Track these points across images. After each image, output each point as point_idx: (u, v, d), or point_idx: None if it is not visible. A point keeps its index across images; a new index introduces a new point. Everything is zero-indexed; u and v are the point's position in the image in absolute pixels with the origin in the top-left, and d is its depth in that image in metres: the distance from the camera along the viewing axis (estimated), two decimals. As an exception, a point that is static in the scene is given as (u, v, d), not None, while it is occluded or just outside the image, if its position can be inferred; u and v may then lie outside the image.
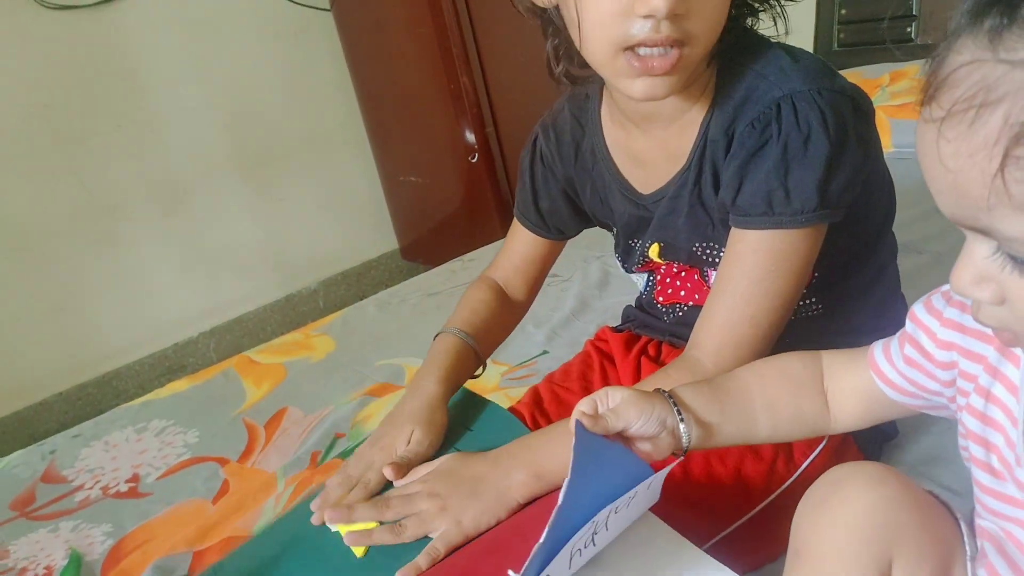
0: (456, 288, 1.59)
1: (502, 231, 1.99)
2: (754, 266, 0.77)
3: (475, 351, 1.00)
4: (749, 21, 0.81)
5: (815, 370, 0.70)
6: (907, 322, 0.63)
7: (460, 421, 0.94)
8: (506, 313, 1.07)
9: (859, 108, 0.77)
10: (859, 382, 0.68)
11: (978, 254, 0.44)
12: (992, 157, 0.39)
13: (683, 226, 0.86)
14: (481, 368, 1.02)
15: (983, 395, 0.56)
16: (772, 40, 0.81)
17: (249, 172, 2.59)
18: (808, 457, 0.84)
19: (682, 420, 0.66)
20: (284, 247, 2.70)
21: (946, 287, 0.60)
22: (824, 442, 0.84)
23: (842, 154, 0.74)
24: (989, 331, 0.55)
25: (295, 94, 2.63)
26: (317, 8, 2.59)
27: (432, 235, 2.81)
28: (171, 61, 2.38)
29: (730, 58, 0.80)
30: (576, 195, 1.00)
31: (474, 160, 2.45)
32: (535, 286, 1.10)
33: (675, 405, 0.67)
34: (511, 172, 2.46)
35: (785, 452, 0.84)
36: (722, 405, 0.69)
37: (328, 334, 1.52)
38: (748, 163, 0.76)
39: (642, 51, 0.72)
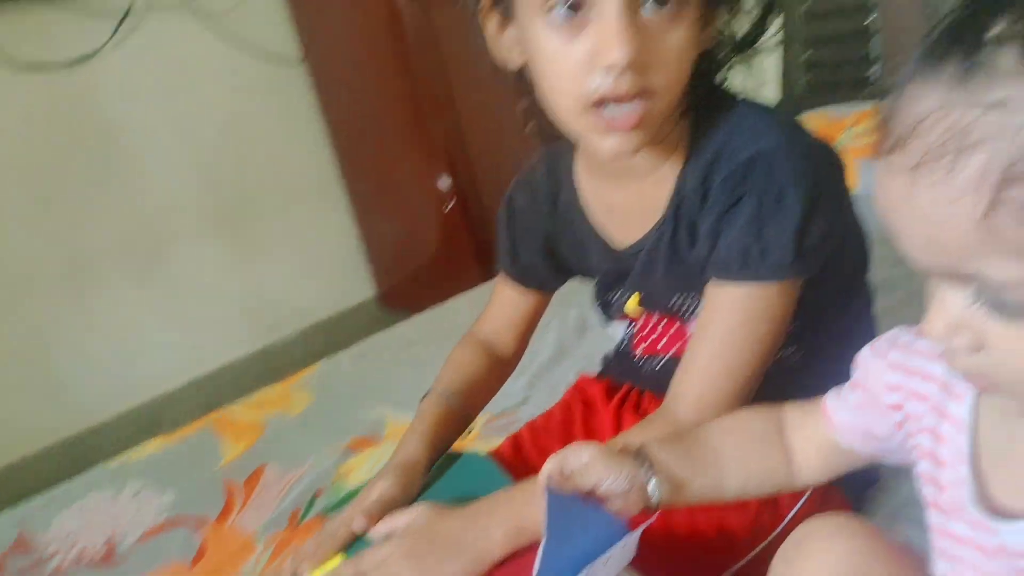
0: (434, 337, 1.58)
1: (479, 277, 2.00)
2: (732, 319, 0.77)
3: (462, 413, 0.99)
4: (720, 76, 0.83)
5: (776, 424, 0.70)
6: (854, 368, 0.63)
7: (437, 476, 0.93)
8: (493, 371, 1.06)
9: (830, 164, 0.79)
10: (815, 433, 0.68)
11: (953, 301, 0.44)
12: (977, 202, 0.39)
13: (661, 279, 0.86)
14: (468, 431, 1.01)
15: (931, 435, 0.56)
16: (741, 96, 0.82)
17: (226, 226, 2.58)
18: (793, 507, 0.83)
19: (652, 477, 0.65)
20: (262, 299, 2.69)
21: (894, 331, 0.61)
22: (808, 492, 0.83)
23: (815, 209, 0.75)
24: (937, 371, 0.55)
25: (270, 148, 2.64)
26: (290, 63, 2.61)
27: (410, 283, 2.81)
28: (147, 118, 2.38)
29: (702, 113, 0.81)
30: (554, 249, 1.00)
31: (450, 208, 2.46)
32: (523, 340, 1.09)
33: (645, 462, 0.66)
34: (487, 219, 2.46)
35: (770, 502, 0.83)
36: (692, 461, 0.68)
37: (306, 387, 1.51)
38: (723, 218, 0.77)
39: (606, 109, 0.72)
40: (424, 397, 0.99)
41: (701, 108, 0.81)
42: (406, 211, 2.65)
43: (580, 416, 1.02)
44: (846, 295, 0.89)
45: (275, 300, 2.70)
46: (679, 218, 0.82)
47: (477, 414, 1.03)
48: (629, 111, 0.72)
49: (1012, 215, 0.38)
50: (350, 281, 2.87)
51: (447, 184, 2.43)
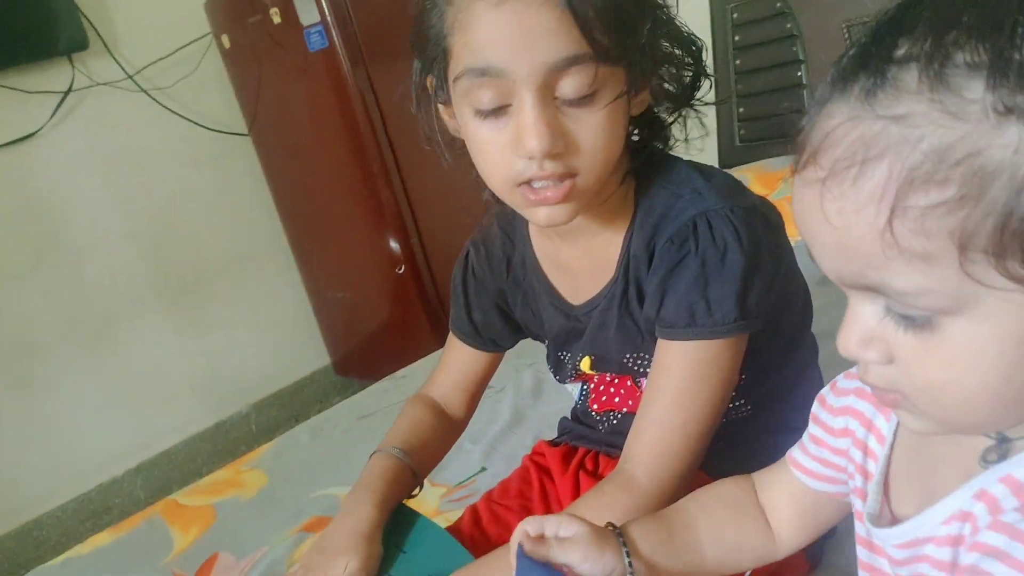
0: (388, 408, 1.56)
1: (433, 341, 1.98)
2: (681, 376, 0.78)
3: (412, 470, 0.97)
4: (660, 135, 0.85)
5: (748, 490, 0.70)
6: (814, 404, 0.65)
7: (392, 540, 0.91)
8: (445, 430, 1.05)
9: (770, 222, 0.81)
10: (786, 486, 0.68)
11: (865, 314, 0.45)
12: (880, 211, 0.40)
13: (613, 338, 0.87)
14: (418, 488, 0.99)
15: (862, 450, 0.58)
16: (682, 159, 0.84)
17: (173, 300, 2.54)
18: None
19: (631, 571, 0.64)
20: (212, 373, 2.64)
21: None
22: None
23: (757, 267, 0.77)
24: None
25: (217, 219, 2.62)
26: (235, 134, 2.61)
27: (364, 349, 2.78)
28: (89, 195, 2.35)
29: (646, 176, 0.83)
30: (508, 308, 1.01)
31: (401, 271, 2.45)
32: (473, 401, 1.08)
33: (625, 549, 0.64)
34: (439, 281, 2.47)
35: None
36: (671, 543, 0.67)
37: (259, 468, 1.47)
38: (669, 277, 0.78)
39: (535, 183, 0.75)
40: (373, 454, 0.97)
41: (644, 168, 0.82)
42: (357, 277, 2.64)
43: (537, 485, 1.01)
44: (791, 346, 0.91)
45: (226, 374, 2.66)
46: (628, 278, 0.84)
47: (428, 472, 1.02)
48: (555, 188, 0.75)
49: (911, 224, 0.39)
50: (303, 350, 2.84)
51: (397, 248, 2.43)
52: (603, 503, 0.77)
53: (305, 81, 2.37)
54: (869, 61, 0.41)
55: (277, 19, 2.29)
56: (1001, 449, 0.47)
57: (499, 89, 0.72)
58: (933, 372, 0.43)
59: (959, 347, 0.42)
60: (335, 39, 2.23)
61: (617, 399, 0.94)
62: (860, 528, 0.58)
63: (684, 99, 0.83)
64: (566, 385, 1.01)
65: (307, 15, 2.23)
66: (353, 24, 2.24)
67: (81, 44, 2.24)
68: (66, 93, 2.25)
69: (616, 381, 0.93)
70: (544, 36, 0.69)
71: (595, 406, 0.97)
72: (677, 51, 0.80)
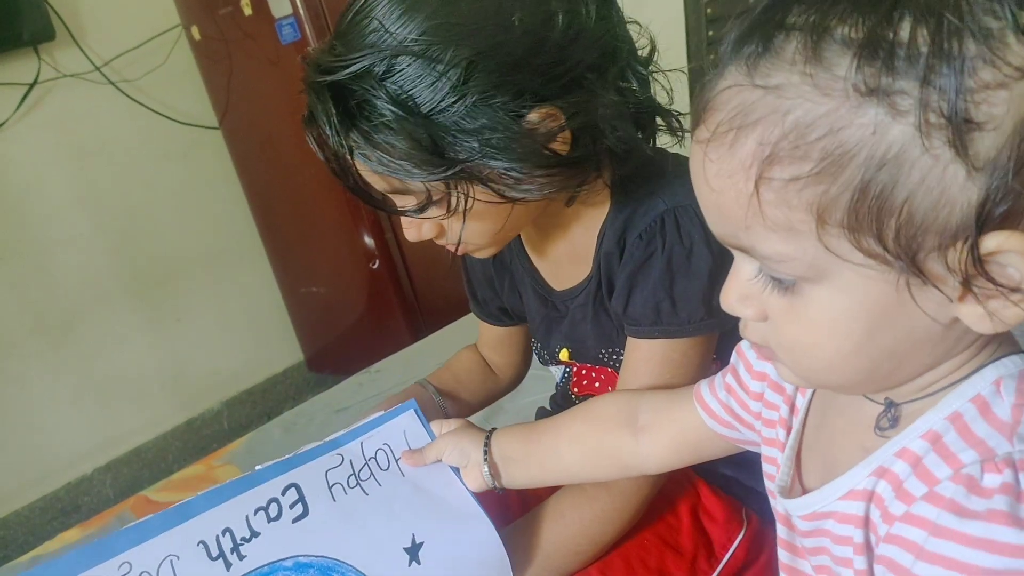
0: (364, 402, 1.55)
1: (408, 336, 1.97)
2: (649, 374, 0.78)
3: (440, 406, 1.02)
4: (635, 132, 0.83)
5: (627, 407, 0.74)
6: (732, 355, 0.66)
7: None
8: (488, 382, 1.10)
9: None
10: (680, 415, 0.71)
11: (743, 273, 0.47)
12: (748, 178, 0.41)
13: (590, 331, 0.87)
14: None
15: (780, 423, 0.60)
16: (664, 150, 0.82)
17: (143, 296, 2.50)
18: (728, 550, 0.83)
19: (485, 458, 0.77)
20: (184, 369, 2.60)
21: None
22: (742, 533, 0.83)
23: (724, 265, 0.74)
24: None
25: (188, 213, 2.58)
26: (205, 127, 2.57)
27: (338, 345, 2.76)
28: (56, 189, 2.30)
29: (624, 167, 0.80)
30: (498, 287, 1.02)
31: (375, 266, 2.43)
32: (516, 364, 1.12)
33: (485, 438, 0.77)
34: (413, 276, 2.45)
35: (705, 547, 0.83)
36: (528, 442, 0.78)
37: (232, 463, 1.44)
38: (636, 274, 0.78)
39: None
40: (416, 381, 1.04)
41: (622, 162, 0.80)
42: (331, 272, 2.61)
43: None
44: None
45: (197, 370, 2.62)
46: (601, 274, 0.83)
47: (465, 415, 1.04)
48: (457, 249, 0.80)
49: (773, 195, 0.41)
50: (276, 346, 2.81)
51: (371, 243, 2.41)
52: (582, 494, 0.79)
53: (277, 74, 2.34)
54: (761, 26, 0.42)
55: (248, 11, 2.26)
56: (891, 415, 0.48)
57: None
58: (796, 333, 0.46)
59: (817, 314, 0.44)
60: (307, 31, 2.20)
61: (598, 384, 0.94)
62: (778, 504, 0.59)
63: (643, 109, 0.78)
64: (549, 367, 1.01)
65: (279, 7, 2.21)
66: (325, 16, 2.21)
67: (47, 35, 2.19)
68: (32, 85, 2.20)
69: (595, 371, 0.93)
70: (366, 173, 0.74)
71: (575, 389, 0.97)
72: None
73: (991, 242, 0.39)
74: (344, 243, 2.48)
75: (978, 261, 0.39)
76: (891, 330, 0.43)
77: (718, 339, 0.80)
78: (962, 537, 0.40)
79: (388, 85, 0.67)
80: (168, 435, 2.56)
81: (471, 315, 1.87)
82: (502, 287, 1.00)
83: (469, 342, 1.70)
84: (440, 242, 0.80)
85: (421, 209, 0.73)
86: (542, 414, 1.07)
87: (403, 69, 0.67)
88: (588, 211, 0.83)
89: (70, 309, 2.35)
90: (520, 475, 0.78)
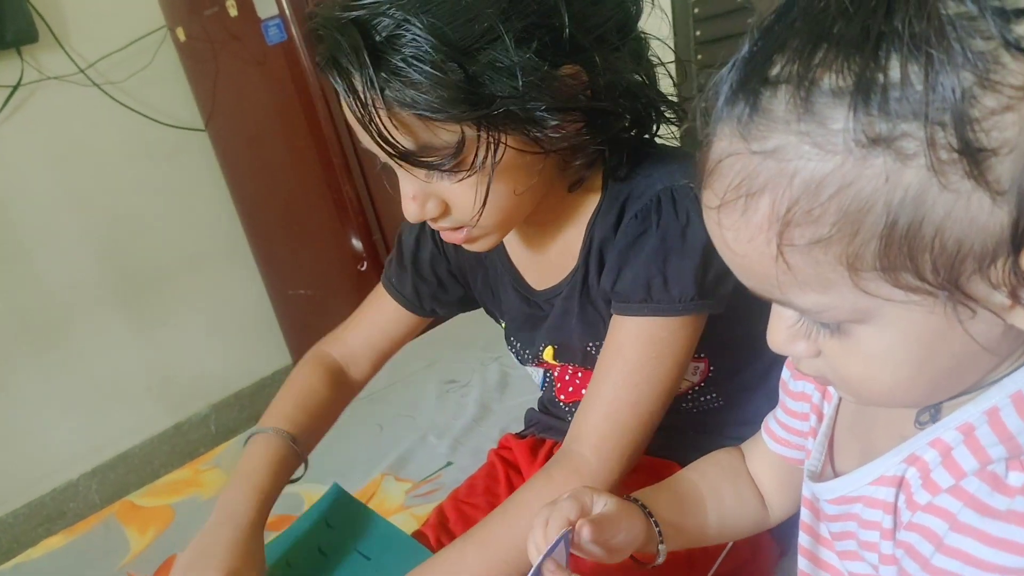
0: (352, 405, 1.53)
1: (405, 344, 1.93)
2: (635, 353, 0.76)
3: (298, 453, 0.89)
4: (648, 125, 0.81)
5: (739, 458, 0.72)
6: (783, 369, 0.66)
7: (353, 544, 0.88)
8: (338, 399, 0.98)
9: None
10: (764, 453, 0.69)
11: (786, 318, 0.47)
12: (769, 241, 0.41)
13: (576, 326, 0.85)
14: (302, 470, 0.91)
15: (816, 413, 0.60)
16: (658, 143, 0.81)
17: (130, 299, 2.48)
18: (722, 551, 0.82)
19: (661, 539, 0.64)
20: (171, 373, 2.58)
21: None
22: (729, 543, 0.82)
23: None
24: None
25: (174, 216, 2.56)
26: (191, 129, 2.55)
27: (326, 347, 2.74)
28: (41, 191, 2.28)
29: (616, 160, 0.79)
30: (465, 281, 0.98)
31: (363, 268, 2.42)
32: (381, 363, 1.03)
33: (649, 515, 0.65)
34: (402, 277, 2.44)
35: (700, 552, 0.81)
36: (681, 507, 0.68)
37: (219, 467, 1.43)
38: (629, 250, 0.76)
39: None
40: (254, 434, 0.89)
41: (614, 154, 0.79)
42: (319, 275, 2.60)
43: (504, 480, 0.99)
44: (759, 342, 0.90)
45: (185, 374, 2.60)
46: (589, 263, 0.81)
47: (311, 451, 0.94)
48: (453, 234, 0.77)
49: (799, 255, 0.40)
50: (264, 349, 2.79)
51: (359, 245, 2.40)
52: (552, 488, 0.74)
53: (263, 75, 2.32)
54: (747, 80, 0.41)
55: (234, 12, 2.24)
56: (933, 410, 0.48)
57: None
58: (851, 368, 0.45)
59: (870, 349, 0.43)
60: (294, 32, 2.18)
61: (584, 390, 0.93)
62: (806, 489, 0.59)
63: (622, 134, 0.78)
64: (527, 367, 0.99)
65: (264, 8, 2.19)
66: (312, 17, 2.20)
67: (30, 36, 2.17)
68: (15, 87, 2.18)
69: (581, 373, 0.92)
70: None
71: (562, 396, 0.96)
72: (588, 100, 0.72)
73: None
74: (332, 245, 2.46)
75: (1021, 277, 0.38)
76: (947, 351, 0.42)
77: (702, 338, 0.78)
78: (982, 535, 0.40)
79: (424, 17, 0.64)
80: (155, 439, 2.54)
81: (457, 318, 1.87)
82: (473, 282, 0.97)
83: (456, 344, 1.69)
84: (442, 226, 0.76)
85: (454, 155, 0.69)
86: (531, 416, 1.06)
87: (440, 2, 0.64)
88: (577, 206, 0.82)
89: (55, 313, 2.33)
90: (674, 545, 0.67)
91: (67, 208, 2.33)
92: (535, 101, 0.67)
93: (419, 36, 0.64)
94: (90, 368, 2.40)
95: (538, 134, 0.69)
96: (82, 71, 2.30)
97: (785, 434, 0.66)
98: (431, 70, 0.64)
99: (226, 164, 2.64)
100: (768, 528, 0.73)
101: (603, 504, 0.61)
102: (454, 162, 0.69)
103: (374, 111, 0.66)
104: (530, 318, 0.91)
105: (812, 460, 0.58)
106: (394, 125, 0.67)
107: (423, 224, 0.95)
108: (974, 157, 0.36)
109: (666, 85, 0.80)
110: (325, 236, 2.47)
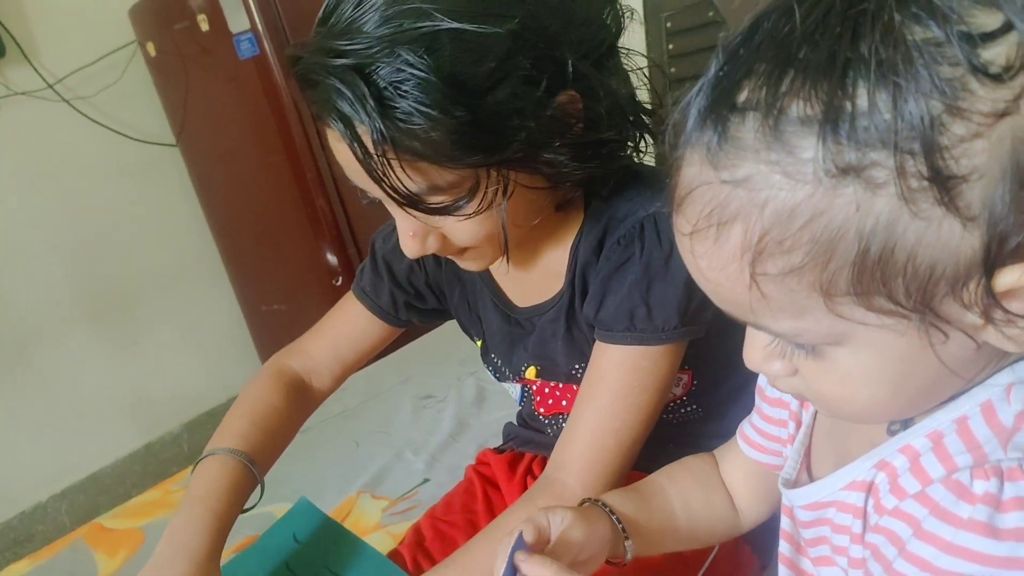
0: (325, 421, 1.52)
1: (371, 358, 1.92)
2: (618, 381, 0.76)
3: (255, 477, 0.84)
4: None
5: (712, 463, 0.72)
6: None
7: (322, 560, 0.86)
8: (298, 415, 0.94)
9: None
10: (739, 459, 0.69)
11: (762, 338, 0.47)
12: (742, 270, 0.41)
13: (562, 348, 0.85)
14: (258, 496, 0.85)
15: (795, 420, 0.60)
16: (635, 162, 0.81)
17: (101, 317, 2.44)
18: (701, 567, 0.82)
19: (627, 535, 0.64)
20: (143, 392, 2.54)
21: None
22: (715, 551, 0.82)
23: None
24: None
25: (145, 232, 2.53)
26: (162, 144, 2.53)
27: (301, 363, 2.71)
28: (9, 208, 2.24)
29: (597, 181, 0.79)
30: (442, 293, 0.96)
31: (338, 283, 2.40)
32: (344, 377, 0.99)
33: (615, 517, 0.65)
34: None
35: (680, 562, 0.81)
36: (647, 509, 0.68)
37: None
38: (611, 278, 0.76)
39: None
40: (207, 456, 0.83)
41: (595, 178, 0.78)
42: (293, 290, 2.57)
43: (482, 496, 0.98)
44: (739, 354, 0.90)
45: (157, 393, 2.57)
46: (575, 288, 0.81)
47: (267, 471, 0.88)
48: (454, 258, 0.76)
49: (772, 283, 0.40)
50: (238, 367, 2.76)
51: (334, 260, 2.38)
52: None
53: (235, 90, 2.30)
54: (715, 106, 0.40)
55: (205, 26, 2.23)
56: (905, 419, 0.48)
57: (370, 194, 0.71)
58: (828, 387, 0.46)
59: (846, 369, 0.44)
60: (266, 47, 2.17)
61: (564, 402, 0.92)
62: (785, 497, 0.59)
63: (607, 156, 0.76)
64: (503, 384, 0.98)
65: (236, 22, 2.18)
66: (285, 31, 2.19)
67: (-3, 51, 2.14)
68: (-19, 104, 2.15)
69: (561, 387, 0.91)
70: None
71: (542, 409, 0.95)
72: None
73: (1008, 277, 0.38)
74: (306, 260, 2.44)
75: (993, 298, 0.38)
76: (922, 370, 0.43)
77: (686, 352, 0.78)
78: (942, 543, 0.41)
79: (427, 58, 0.60)
80: (126, 460, 2.50)
81: (433, 332, 1.86)
82: (450, 295, 0.95)
83: (432, 359, 1.68)
84: (436, 253, 0.75)
85: (468, 198, 0.67)
86: (509, 430, 1.05)
87: (443, 46, 0.61)
88: (561, 224, 0.81)
89: (24, 332, 2.28)
90: (642, 550, 0.67)
91: (36, 225, 2.30)
92: (549, 138, 0.66)
93: (425, 80, 0.60)
94: (60, 388, 2.35)
95: (549, 170, 0.69)
96: (50, 86, 2.27)
97: (762, 440, 0.66)
98: (441, 116, 0.61)
99: (198, 179, 2.61)
100: (741, 533, 0.73)
101: (560, 521, 0.60)
102: (468, 206, 0.68)
103: (384, 161, 0.63)
104: (510, 335, 0.90)
105: (787, 468, 0.58)
106: (404, 172, 0.64)
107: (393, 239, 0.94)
108: (944, 185, 0.36)
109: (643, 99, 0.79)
110: (299, 251, 2.45)
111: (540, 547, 0.58)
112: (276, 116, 2.26)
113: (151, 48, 2.42)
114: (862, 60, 0.36)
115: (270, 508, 1.26)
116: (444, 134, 0.62)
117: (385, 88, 0.61)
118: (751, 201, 0.39)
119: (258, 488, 0.86)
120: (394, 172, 0.64)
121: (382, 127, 0.61)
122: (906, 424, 0.48)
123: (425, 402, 1.53)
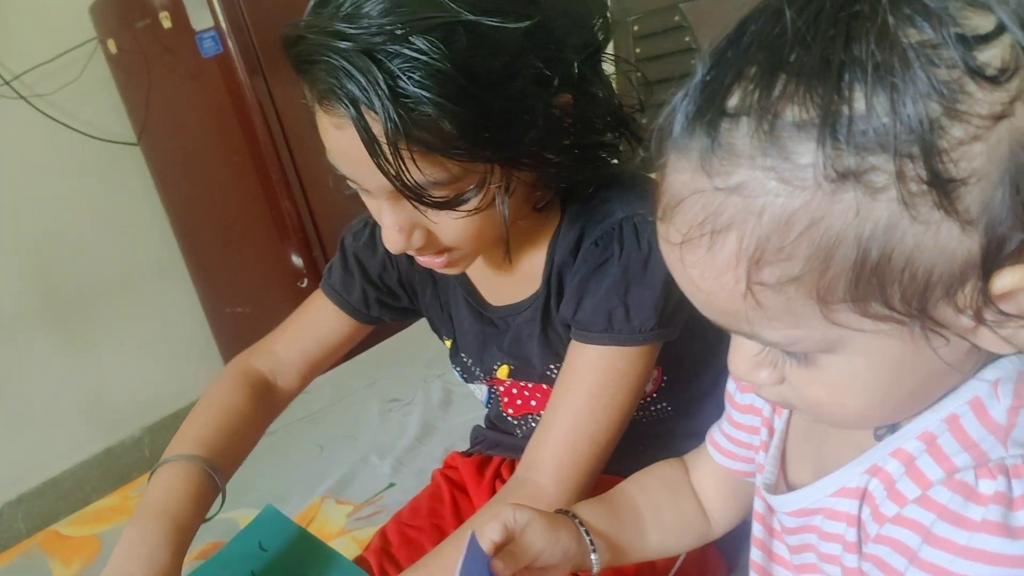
0: (290, 425, 1.50)
1: (340, 358, 1.91)
2: (593, 382, 0.76)
3: (217, 483, 0.80)
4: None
5: (682, 470, 0.71)
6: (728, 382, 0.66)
7: (289, 568, 0.85)
8: (263, 419, 0.90)
9: None
10: (709, 466, 0.69)
11: (750, 347, 0.46)
12: (738, 279, 0.40)
13: (537, 349, 0.84)
14: (219, 505, 0.82)
15: (767, 427, 0.60)
16: (611, 163, 0.81)
17: (59, 320, 2.39)
18: (670, 571, 0.82)
19: (594, 548, 0.63)
20: (102, 395, 2.49)
21: None
22: (682, 556, 0.82)
23: None
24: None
25: (105, 232, 2.48)
26: (123, 143, 2.49)
27: (265, 366, 2.68)
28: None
29: (577, 183, 0.78)
30: (413, 292, 0.95)
31: (303, 285, 2.38)
32: (311, 377, 0.96)
33: (584, 529, 0.64)
34: (343, 294, 2.40)
35: (648, 566, 0.81)
36: (617, 520, 0.67)
37: (151, 492, 1.38)
38: (590, 279, 0.76)
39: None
40: (165, 462, 0.80)
41: (575, 184, 0.78)
42: (257, 292, 2.55)
43: (449, 501, 0.97)
44: (713, 351, 0.90)
45: (117, 396, 2.52)
46: (551, 288, 0.81)
47: (229, 478, 0.85)
48: (432, 259, 0.74)
49: (770, 292, 0.40)
50: (200, 369, 2.72)
51: (299, 262, 2.36)
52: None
53: (198, 88, 2.27)
54: (704, 112, 0.39)
55: (167, 24, 2.19)
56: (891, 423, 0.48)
57: (358, 184, 0.69)
58: (818, 395, 0.45)
59: (837, 376, 0.43)
60: (230, 45, 2.15)
61: (534, 402, 0.92)
62: (758, 504, 0.59)
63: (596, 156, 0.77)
64: (470, 385, 0.97)
65: (199, 20, 2.15)
66: (249, 30, 2.16)
67: (-48, 47, 2.10)
68: (-65, 100, 2.10)
69: (530, 386, 0.91)
70: None
71: (510, 410, 0.94)
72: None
73: (1006, 280, 0.38)
74: (270, 262, 2.42)
75: (989, 300, 0.38)
76: (913, 375, 0.43)
77: (663, 347, 0.78)
78: (957, 548, 0.40)
79: (441, 47, 0.59)
80: (86, 464, 2.45)
81: (401, 334, 1.84)
82: (422, 292, 0.94)
83: (398, 362, 1.67)
84: (424, 253, 0.74)
85: (476, 194, 0.66)
86: (477, 433, 1.05)
87: (459, 37, 0.60)
88: (538, 225, 0.81)
89: (-22, 334, 2.23)
90: (613, 561, 0.67)
91: (-9, 223, 2.25)
92: (557, 138, 0.67)
93: (439, 69, 0.59)
94: (16, 392, 2.30)
95: (552, 170, 0.69)
96: (7, 83, 2.22)
97: (732, 447, 0.66)
98: (453, 105, 0.60)
99: (160, 179, 2.57)
100: (711, 540, 0.73)
101: (526, 520, 0.60)
102: (470, 203, 0.67)
103: (392, 148, 0.62)
104: (482, 334, 0.89)
105: (766, 474, 0.58)
106: (412, 161, 0.63)
107: (372, 231, 0.93)
108: (943, 188, 0.35)
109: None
110: (263, 252, 2.43)
111: (502, 546, 0.57)
112: (240, 115, 2.24)
113: (112, 45, 2.38)
114: (857, 63, 0.35)
115: (232, 514, 1.24)
116: (454, 125, 0.61)
117: (396, 74, 0.60)
118: (747, 208, 0.38)
119: (219, 497, 0.83)
120: (401, 160, 0.63)
121: (395, 116, 0.60)
122: (893, 427, 0.47)
123: (391, 405, 1.52)
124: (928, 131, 0.35)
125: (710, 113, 0.39)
